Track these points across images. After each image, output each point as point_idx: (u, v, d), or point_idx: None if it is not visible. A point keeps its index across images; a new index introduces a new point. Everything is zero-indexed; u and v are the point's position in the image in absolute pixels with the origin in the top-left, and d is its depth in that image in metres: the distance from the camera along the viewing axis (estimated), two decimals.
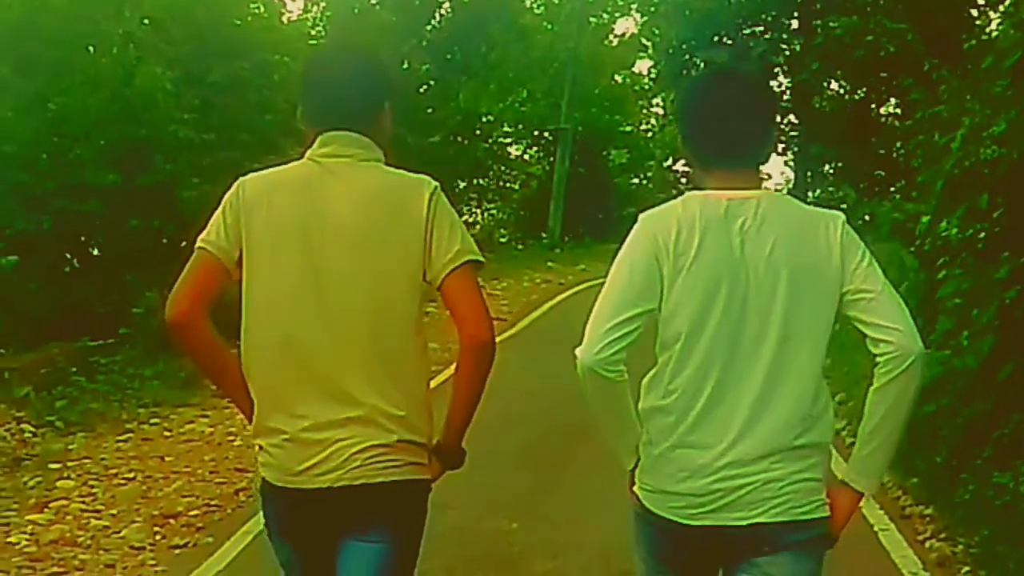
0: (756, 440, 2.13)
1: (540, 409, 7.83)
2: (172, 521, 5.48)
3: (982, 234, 5.82)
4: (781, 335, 2.15)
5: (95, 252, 12.10)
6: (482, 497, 5.72)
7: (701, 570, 2.28)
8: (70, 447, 6.94)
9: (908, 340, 2.11)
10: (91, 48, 11.86)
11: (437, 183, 2.37)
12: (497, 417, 7.99)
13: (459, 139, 24.64)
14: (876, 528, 5.28)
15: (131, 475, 6.33)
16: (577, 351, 2.19)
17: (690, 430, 2.17)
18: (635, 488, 2.29)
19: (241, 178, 2.37)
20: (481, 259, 2.36)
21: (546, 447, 6.95)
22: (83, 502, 5.79)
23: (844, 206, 18.59)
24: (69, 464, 6.52)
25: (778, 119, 2.52)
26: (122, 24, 11.86)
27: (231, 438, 7.24)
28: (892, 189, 20.95)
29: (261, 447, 2.35)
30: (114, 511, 5.63)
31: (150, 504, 5.76)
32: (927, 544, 5.10)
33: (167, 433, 7.47)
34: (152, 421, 7.75)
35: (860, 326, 2.16)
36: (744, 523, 2.14)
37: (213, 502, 5.81)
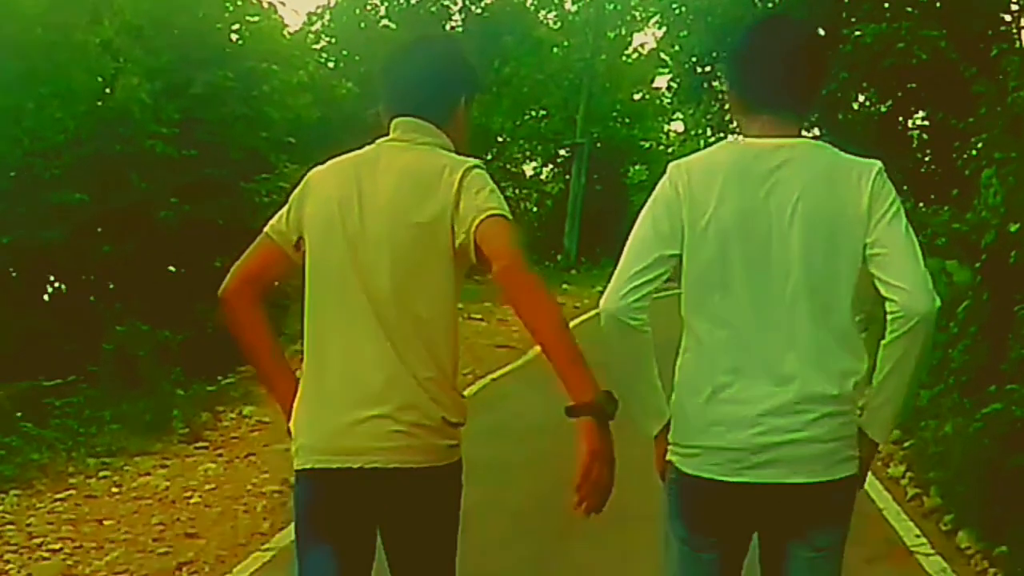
0: (791, 392, 2.12)
1: (549, 452, 6.78)
2: None
3: None
4: (807, 286, 2.13)
5: (62, 286, 11.22)
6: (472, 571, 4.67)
7: (738, 535, 2.25)
8: None
9: (913, 300, 2.08)
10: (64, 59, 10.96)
11: (480, 161, 2.38)
12: (497, 464, 7.02)
13: (472, 157, 23.71)
14: None
15: (58, 546, 5.32)
16: (601, 301, 2.19)
17: (724, 383, 2.15)
18: (668, 456, 2.26)
19: (315, 167, 2.46)
20: (512, 220, 2.31)
21: (555, 504, 5.84)
22: None
23: None
24: None
25: (826, 68, 2.40)
26: (99, 33, 10.95)
27: (187, 494, 6.22)
28: (921, 205, 19.93)
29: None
30: None
31: None
32: None
33: (116, 489, 6.45)
34: (101, 474, 6.74)
35: (876, 282, 2.13)
36: (785, 482, 2.12)
37: None
